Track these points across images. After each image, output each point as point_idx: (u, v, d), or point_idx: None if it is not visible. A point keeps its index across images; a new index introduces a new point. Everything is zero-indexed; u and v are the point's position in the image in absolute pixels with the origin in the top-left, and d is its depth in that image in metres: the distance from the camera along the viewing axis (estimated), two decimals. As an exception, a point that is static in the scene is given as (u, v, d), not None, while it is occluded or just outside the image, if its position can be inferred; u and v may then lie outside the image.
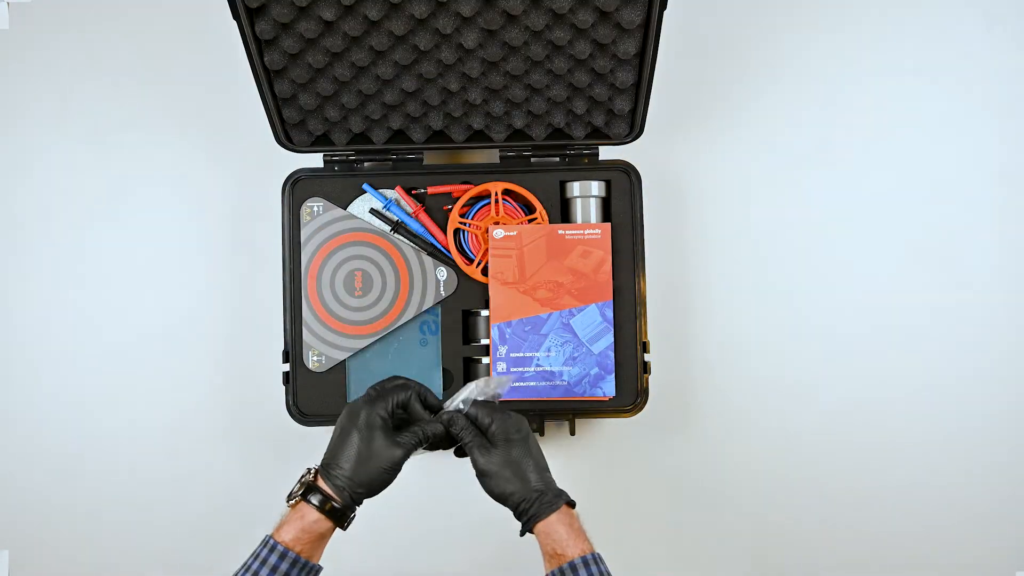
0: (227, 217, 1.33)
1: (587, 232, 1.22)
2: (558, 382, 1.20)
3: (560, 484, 1.29)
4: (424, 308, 1.22)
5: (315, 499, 0.99)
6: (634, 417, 1.22)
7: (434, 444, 1.03)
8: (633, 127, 1.21)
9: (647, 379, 1.21)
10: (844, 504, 1.29)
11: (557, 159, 1.25)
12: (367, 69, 1.14)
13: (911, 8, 1.35)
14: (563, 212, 1.25)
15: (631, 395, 1.21)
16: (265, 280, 1.31)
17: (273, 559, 0.97)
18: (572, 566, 0.94)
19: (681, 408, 1.31)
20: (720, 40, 1.36)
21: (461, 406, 1.03)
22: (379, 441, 0.99)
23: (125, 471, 1.30)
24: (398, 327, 1.22)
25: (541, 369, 1.20)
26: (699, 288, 1.32)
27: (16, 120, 1.35)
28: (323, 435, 1.30)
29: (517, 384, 1.21)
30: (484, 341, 1.23)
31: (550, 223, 1.23)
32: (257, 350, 1.30)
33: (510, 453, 1.00)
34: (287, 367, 1.22)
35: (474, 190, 1.23)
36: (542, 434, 1.22)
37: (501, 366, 1.20)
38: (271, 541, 0.98)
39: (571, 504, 1.01)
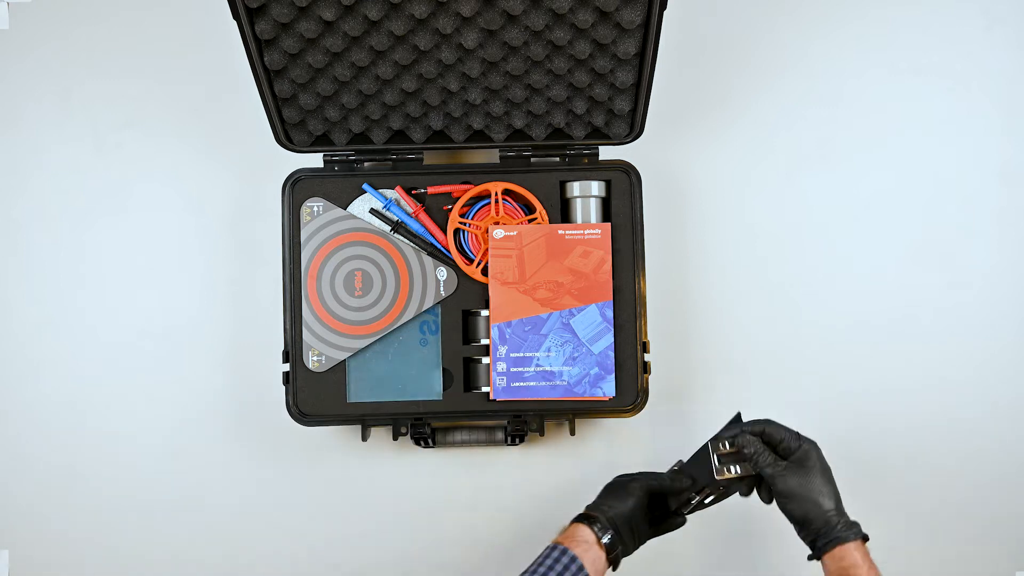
0: (227, 217, 1.33)
1: (587, 232, 1.22)
2: (558, 382, 1.20)
3: (560, 484, 1.30)
4: (424, 308, 1.22)
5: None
6: (634, 417, 1.22)
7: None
8: (633, 127, 1.21)
9: (647, 379, 1.22)
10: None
11: (557, 159, 1.25)
12: (367, 69, 1.14)
13: (911, 8, 1.35)
14: (563, 212, 1.25)
15: (631, 395, 1.22)
16: (265, 280, 1.31)
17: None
18: None
19: (681, 408, 1.31)
20: (720, 40, 1.36)
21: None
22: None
23: (125, 471, 1.30)
24: (398, 327, 1.22)
25: (541, 369, 1.20)
26: (699, 288, 1.32)
27: (16, 120, 1.35)
28: (323, 435, 1.30)
29: (517, 384, 1.21)
30: (484, 341, 1.23)
31: (550, 223, 1.23)
32: (257, 350, 1.30)
33: (815, 478, 1.03)
34: (287, 367, 1.22)
35: (474, 190, 1.23)
36: (542, 434, 1.22)
37: (501, 366, 1.20)
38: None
39: (865, 538, 1.02)
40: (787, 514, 1.04)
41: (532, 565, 1.05)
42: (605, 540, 1.07)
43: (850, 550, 1.00)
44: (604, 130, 1.23)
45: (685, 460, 1.15)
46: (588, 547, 1.06)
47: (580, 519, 1.10)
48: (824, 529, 1.01)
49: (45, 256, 1.33)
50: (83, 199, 1.34)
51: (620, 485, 1.13)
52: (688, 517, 1.14)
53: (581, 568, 1.04)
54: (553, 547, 1.06)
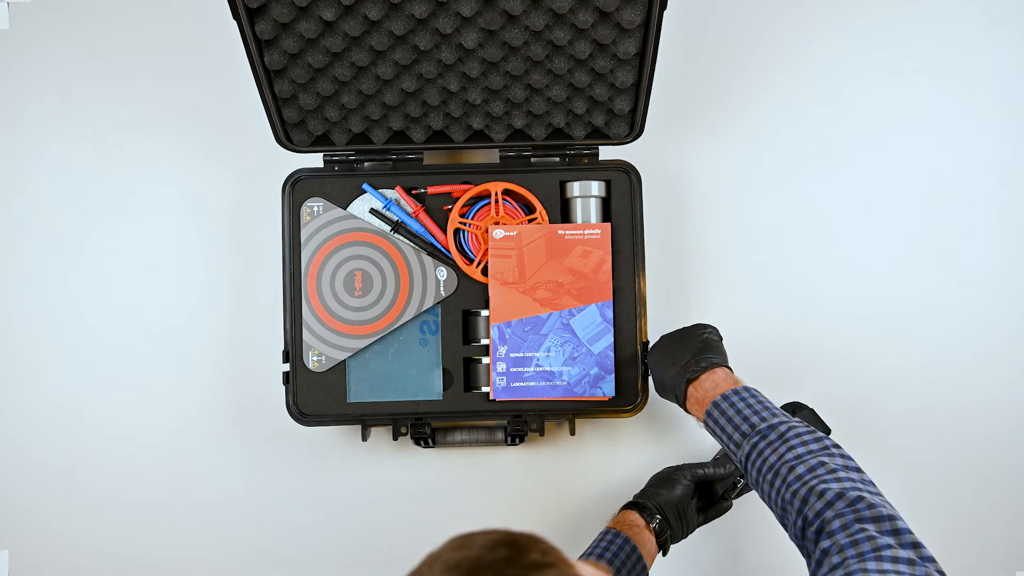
0: (227, 217, 1.33)
1: (587, 232, 1.22)
2: (558, 382, 1.20)
3: (560, 484, 1.30)
4: (424, 308, 1.22)
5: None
6: (634, 417, 1.22)
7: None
8: (633, 127, 1.21)
9: (647, 379, 1.22)
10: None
11: (557, 159, 1.25)
12: (367, 69, 1.14)
13: (911, 8, 1.35)
14: (563, 212, 1.25)
15: (631, 395, 1.22)
16: (265, 280, 1.31)
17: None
18: (705, 424, 1.04)
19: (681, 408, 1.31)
20: (720, 40, 1.36)
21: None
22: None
23: (125, 471, 1.30)
24: (398, 327, 1.22)
25: (541, 369, 1.20)
26: (699, 288, 1.32)
27: (16, 120, 1.35)
28: (323, 435, 1.30)
29: (517, 384, 1.21)
30: (484, 341, 1.23)
31: (550, 223, 1.23)
32: (257, 350, 1.30)
33: (656, 372, 1.14)
34: (287, 367, 1.22)
35: (474, 190, 1.23)
36: (542, 434, 1.22)
37: (501, 366, 1.20)
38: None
39: (693, 380, 1.07)
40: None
41: (589, 548, 1.10)
42: (653, 525, 1.12)
43: (689, 391, 1.07)
44: (604, 130, 1.23)
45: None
46: (639, 531, 1.11)
47: (629, 506, 1.15)
48: (675, 398, 1.10)
49: (45, 256, 1.33)
50: (83, 199, 1.34)
51: (666, 475, 1.17)
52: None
53: (635, 549, 1.08)
54: (607, 531, 1.11)
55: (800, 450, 0.92)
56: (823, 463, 0.89)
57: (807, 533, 0.86)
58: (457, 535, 0.69)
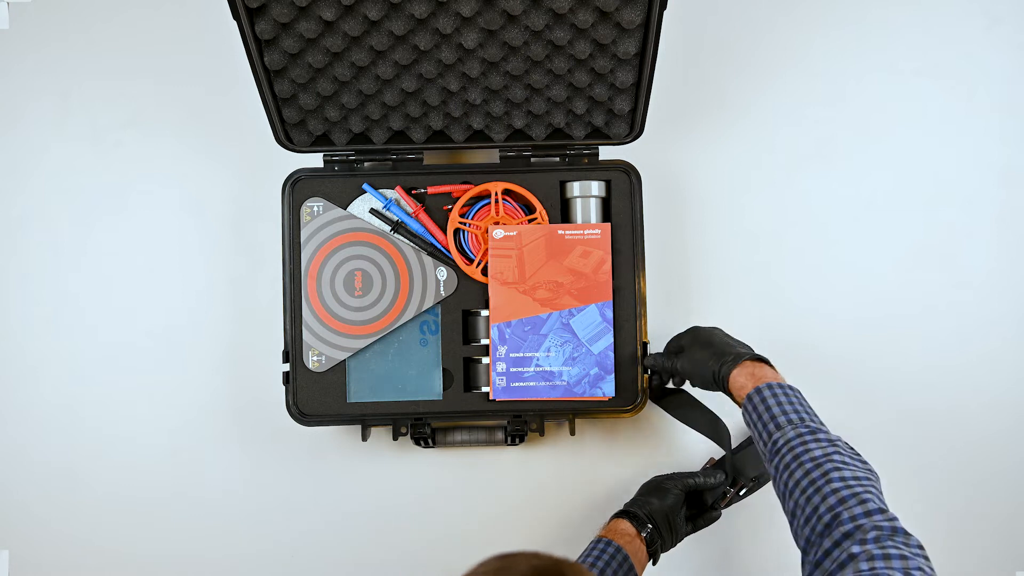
0: (227, 217, 1.33)
1: (587, 232, 1.22)
2: (558, 382, 1.20)
3: (560, 484, 1.30)
4: (424, 308, 1.22)
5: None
6: (634, 417, 1.22)
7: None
8: (633, 127, 1.21)
9: (647, 379, 1.22)
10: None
11: (557, 159, 1.25)
12: (367, 69, 1.14)
13: (911, 8, 1.35)
14: (563, 212, 1.25)
15: (631, 395, 1.21)
16: (265, 280, 1.31)
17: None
18: (748, 397, 1.03)
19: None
20: (720, 40, 1.36)
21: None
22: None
23: (125, 471, 1.30)
24: (398, 327, 1.22)
25: (541, 369, 1.20)
26: (699, 288, 1.32)
27: (16, 120, 1.35)
28: (323, 435, 1.30)
29: (517, 384, 1.21)
30: (484, 341, 1.23)
31: (550, 223, 1.23)
32: (257, 350, 1.30)
33: (693, 354, 1.13)
34: (287, 367, 1.22)
35: (474, 190, 1.23)
36: (542, 434, 1.22)
37: (501, 366, 1.20)
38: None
39: (756, 360, 1.07)
40: (699, 387, 1.14)
41: (580, 556, 1.10)
42: (644, 534, 1.12)
43: (733, 377, 1.06)
44: (604, 130, 1.23)
45: (716, 459, 1.23)
46: (630, 540, 1.11)
47: (620, 515, 1.15)
48: (713, 383, 1.10)
49: (45, 256, 1.33)
50: (83, 199, 1.34)
51: (657, 484, 1.18)
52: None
53: (626, 558, 1.08)
54: (598, 540, 1.11)
55: (847, 458, 0.93)
56: (870, 479, 0.92)
57: (832, 531, 0.86)
58: (496, 555, 0.68)
